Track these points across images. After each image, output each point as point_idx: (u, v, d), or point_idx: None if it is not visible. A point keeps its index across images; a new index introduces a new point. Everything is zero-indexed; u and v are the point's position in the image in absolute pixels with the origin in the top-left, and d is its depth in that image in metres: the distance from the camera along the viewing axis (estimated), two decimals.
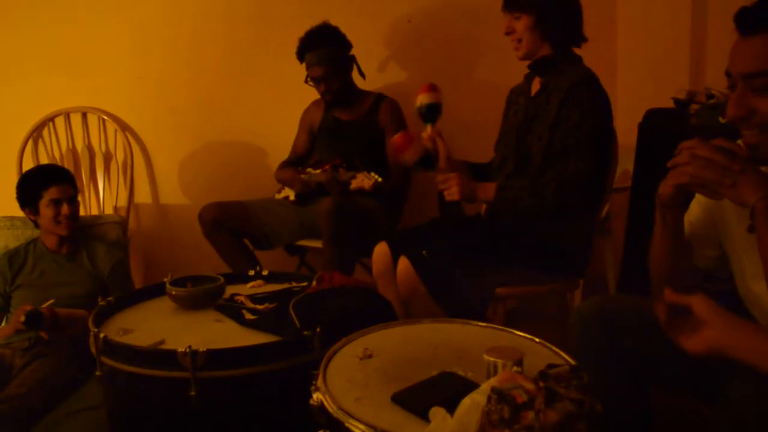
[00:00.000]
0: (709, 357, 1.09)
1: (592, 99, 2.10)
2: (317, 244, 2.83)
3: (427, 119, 2.18)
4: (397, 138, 2.21)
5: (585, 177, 2.07)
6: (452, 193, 2.11)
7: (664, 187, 1.29)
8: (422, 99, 2.16)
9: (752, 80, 1.18)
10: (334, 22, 2.93)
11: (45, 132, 3.20)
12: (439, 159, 2.20)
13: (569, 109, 2.08)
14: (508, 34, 2.19)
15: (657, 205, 1.35)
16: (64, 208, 2.45)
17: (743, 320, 1.08)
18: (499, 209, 2.16)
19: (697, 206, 1.46)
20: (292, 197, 2.99)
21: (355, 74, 3.03)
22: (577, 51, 2.22)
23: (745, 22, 1.18)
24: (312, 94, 3.07)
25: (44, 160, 3.19)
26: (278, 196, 3.06)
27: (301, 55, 2.94)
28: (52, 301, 2.24)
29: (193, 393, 1.52)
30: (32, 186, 2.48)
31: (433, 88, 2.17)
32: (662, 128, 2.60)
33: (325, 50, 2.89)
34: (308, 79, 2.96)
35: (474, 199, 2.15)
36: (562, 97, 2.09)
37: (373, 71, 3.16)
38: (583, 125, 2.07)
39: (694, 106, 2.49)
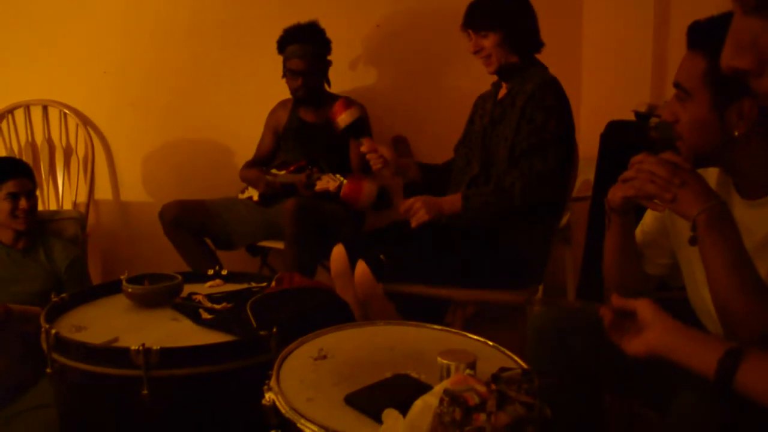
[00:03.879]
0: (649, 359, 1.13)
1: (556, 101, 2.14)
2: (279, 245, 2.82)
3: (358, 135, 2.16)
4: (345, 189, 2.19)
5: (551, 174, 2.11)
6: (420, 216, 2.10)
7: (612, 194, 1.34)
8: (343, 120, 2.15)
9: (677, 89, 1.27)
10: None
11: (3, 124, 3.13)
12: (392, 194, 2.20)
13: (533, 110, 2.11)
14: (476, 52, 2.21)
15: (606, 209, 1.39)
16: (22, 202, 2.40)
17: (684, 325, 1.12)
18: (468, 218, 2.17)
19: (650, 215, 1.50)
20: (255, 197, 2.98)
21: None
22: (542, 62, 2.25)
23: (688, 37, 1.26)
24: (279, 94, 3.06)
25: (2, 152, 3.12)
26: (242, 196, 3.04)
27: (282, 46, 2.93)
28: None
29: (145, 392, 1.50)
30: None
31: (347, 104, 2.15)
32: (623, 140, 2.65)
33: (311, 46, 2.90)
34: (285, 72, 2.95)
35: (442, 214, 2.14)
36: (525, 99, 2.12)
37: (341, 74, 3.16)
38: (548, 125, 2.10)
39: (654, 120, 2.55)
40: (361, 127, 2.17)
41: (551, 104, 2.12)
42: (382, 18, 3.29)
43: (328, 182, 2.69)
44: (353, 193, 2.18)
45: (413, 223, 2.12)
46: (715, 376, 1.03)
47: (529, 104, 2.12)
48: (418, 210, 2.11)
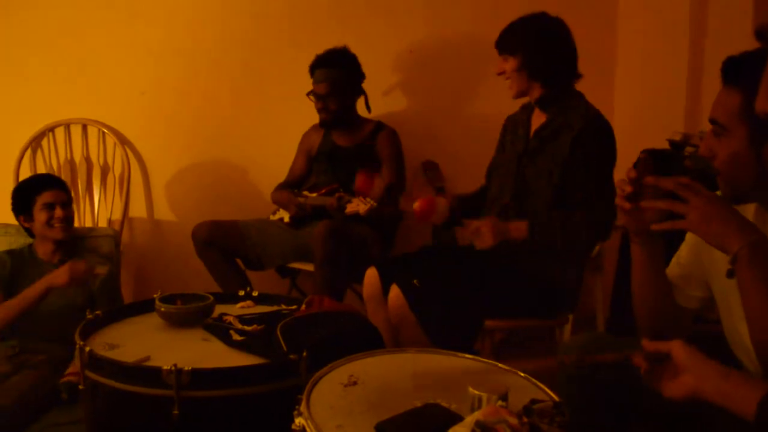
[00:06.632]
0: (687, 402, 1.10)
1: (608, 139, 2.14)
2: (309, 267, 2.83)
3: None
4: (419, 205, 2.19)
5: (612, 217, 2.10)
6: (485, 240, 2.09)
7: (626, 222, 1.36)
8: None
9: (714, 125, 1.27)
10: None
11: (44, 142, 3.21)
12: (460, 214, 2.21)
13: (587, 150, 2.09)
14: (500, 74, 2.23)
15: (630, 237, 1.38)
16: (57, 211, 2.47)
17: (720, 365, 1.09)
18: (532, 247, 2.14)
19: (686, 247, 1.48)
20: (286, 219, 3.00)
21: (360, 104, 3.07)
22: (576, 88, 2.24)
23: (723, 73, 1.26)
24: (312, 117, 3.09)
25: (42, 169, 3.18)
26: (273, 218, 3.06)
27: (312, 70, 2.97)
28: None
29: (176, 412, 1.51)
30: (26, 192, 2.50)
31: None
32: (656, 169, 2.63)
33: (335, 71, 2.93)
34: (310, 94, 2.98)
35: (507, 240, 2.11)
36: (575, 136, 2.10)
37: (373, 99, 3.18)
38: (604, 168, 2.11)
39: (689, 149, 2.52)
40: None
41: (605, 144, 2.13)
42: (414, 44, 3.32)
43: (358, 205, 2.70)
44: (428, 207, 2.18)
45: (477, 246, 2.11)
46: (755, 418, 1.01)
47: (579, 143, 2.09)
48: (484, 234, 2.10)
